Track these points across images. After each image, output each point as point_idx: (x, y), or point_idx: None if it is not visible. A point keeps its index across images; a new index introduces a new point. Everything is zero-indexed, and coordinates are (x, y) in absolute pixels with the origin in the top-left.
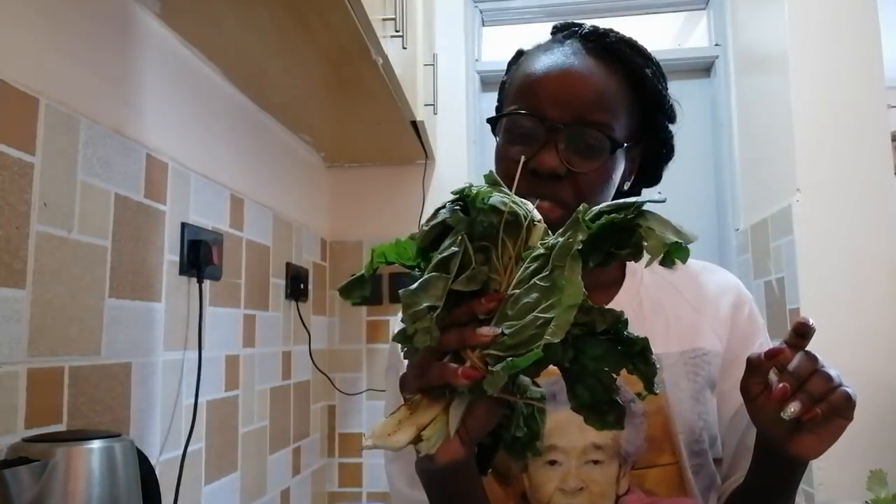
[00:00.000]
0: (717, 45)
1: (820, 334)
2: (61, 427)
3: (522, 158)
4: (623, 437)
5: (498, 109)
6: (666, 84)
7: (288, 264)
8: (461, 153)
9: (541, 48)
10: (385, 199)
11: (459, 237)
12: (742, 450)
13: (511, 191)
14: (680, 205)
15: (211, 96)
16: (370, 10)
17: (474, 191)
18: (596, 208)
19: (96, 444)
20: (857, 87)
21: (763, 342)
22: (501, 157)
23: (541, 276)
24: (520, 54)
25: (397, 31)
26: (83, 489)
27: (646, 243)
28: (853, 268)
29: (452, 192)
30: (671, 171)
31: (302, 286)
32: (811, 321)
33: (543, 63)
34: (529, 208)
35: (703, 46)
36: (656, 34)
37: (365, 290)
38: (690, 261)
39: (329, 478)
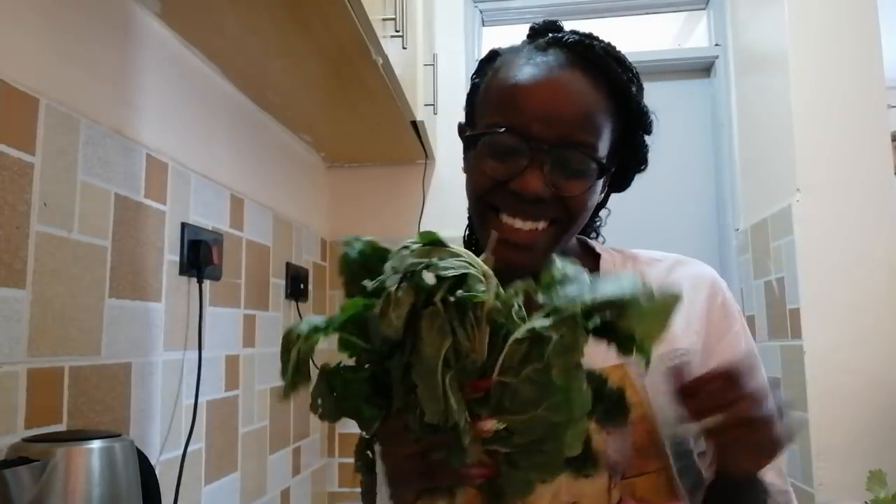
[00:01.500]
0: (717, 45)
1: (820, 334)
2: (61, 427)
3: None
4: (610, 448)
5: (468, 115)
6: (643, 94)
7: (288, 264)
8: (461, 153)
9: (521, 55)
10: (385, 199)
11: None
12: None
13: (482, 206)
14: (680, 205)
15: (211, 96)
16: (370, 10)
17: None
18: (586, 299)
19: (96, 444)
20: (857, 87)
21: (738, 331)
22: (476, 171)
23: (534, 367)
24: (494, 55)
25: (397, 31)
26: (83, 489)
27: (633, 355)
28: (853, 268)
29: (392, 266)
30: (671, 171)
31: (302, 286)
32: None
33: (527, 74)
34: (478, 264)
35: (703, 46)
36: (656, 34)
37: (306, 380)
38: (663, 255)
39: (329, 478)
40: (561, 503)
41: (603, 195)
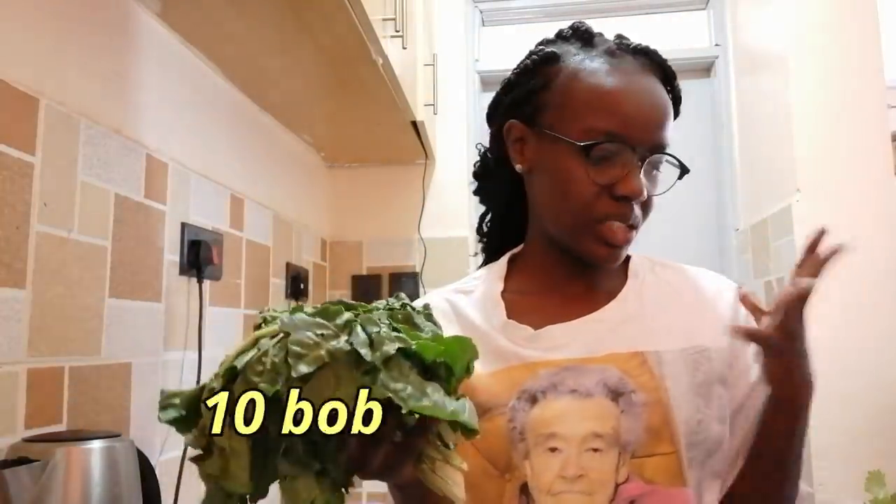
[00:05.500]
0: (717, 45)
1: (820, 334)
2: (61, 427)
3: None
4: (623, 426)
5: (530, 116)
6: None
7: (288, 264)
8: (461, 153)
9: (595, 59)
10: (385, 199)
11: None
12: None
13: (586, 214)
14: (680, 205)
15: (211, 96)
16: (370, 10)
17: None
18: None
19: (96, 444)
20: (857, 87)
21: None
22: (577, 179)
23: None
24: (555, 57)
25: (397, 31)
26: (83, 489)
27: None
28: (853, 268)
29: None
30: (671, 171)
31: (302, 286)
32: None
33: (615, 80)
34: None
35: (703, 46)
36: (656, 34)
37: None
38: (687, 266)
39: None
40: (568, 476)
41: None
